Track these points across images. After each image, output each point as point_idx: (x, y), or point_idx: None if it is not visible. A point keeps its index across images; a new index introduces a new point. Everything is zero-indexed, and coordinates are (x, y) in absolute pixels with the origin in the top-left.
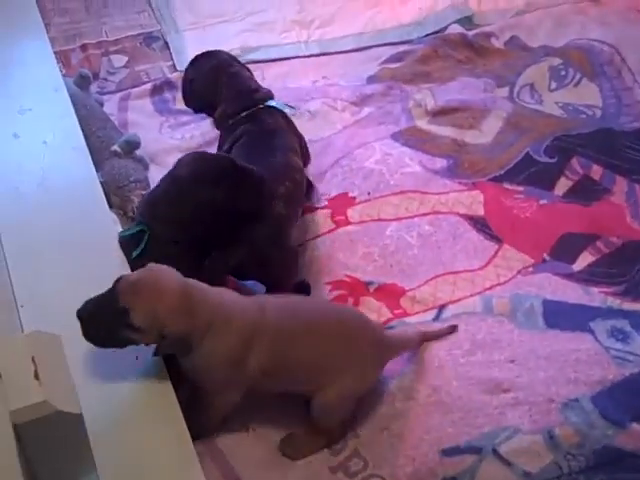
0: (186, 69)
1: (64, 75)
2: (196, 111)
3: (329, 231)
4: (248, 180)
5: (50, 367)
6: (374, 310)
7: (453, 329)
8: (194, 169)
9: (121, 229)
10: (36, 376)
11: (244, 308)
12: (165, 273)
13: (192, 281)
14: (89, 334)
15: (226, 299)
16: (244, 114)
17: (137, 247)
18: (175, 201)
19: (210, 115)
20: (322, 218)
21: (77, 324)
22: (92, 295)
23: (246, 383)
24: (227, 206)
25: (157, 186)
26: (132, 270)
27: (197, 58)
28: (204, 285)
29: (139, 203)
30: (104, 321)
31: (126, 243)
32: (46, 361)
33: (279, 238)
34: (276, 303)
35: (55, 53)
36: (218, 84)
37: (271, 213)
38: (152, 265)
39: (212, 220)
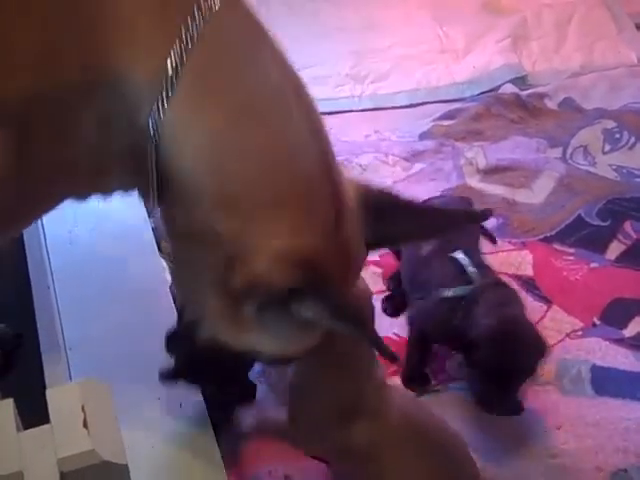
0: None
1: None
2: None
3: (379, 291)
4: None
5: (99, 416)
6: None
7: None
8: None
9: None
10: (85, 425)
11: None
12: None
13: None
14: None
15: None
16: None
17: None
18: None
19: None
20: (373, 276)
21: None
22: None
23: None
24: None
25: None
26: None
27: None
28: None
29: None
30: None
31: None
32: (95, 410)
33: None
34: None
35: None
36: None
37: None
38: None
39: None
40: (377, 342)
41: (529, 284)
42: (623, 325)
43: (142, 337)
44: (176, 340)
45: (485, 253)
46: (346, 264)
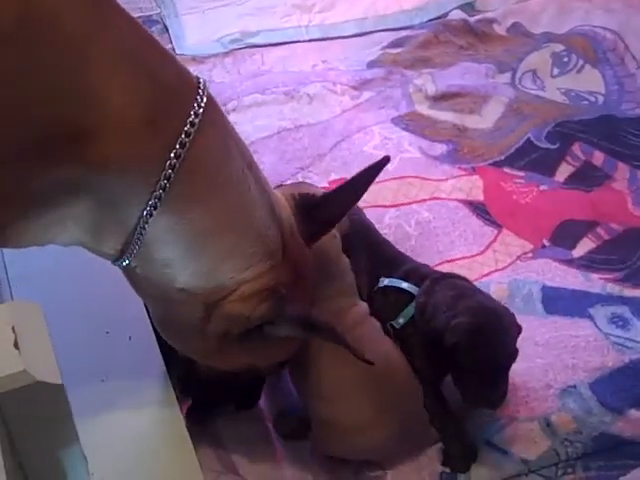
0: None
1: None
2: None
3: None
4: None
5: (30, 337)
6: None
7: None
8: None
9: None
10: (16, 346)
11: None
12: None
13: None
14: None
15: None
16: None
17: None
18: None
19: None
20: None
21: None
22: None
23: None
24: None
25: None
26: None
27: None
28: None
29: None
30: None
31: None
32: (26, 331)
33: None
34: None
35: None
36: None
37: None
38: None
39: None
40: (348, 345)
41: (480, 209)
42: (572, 246)
43: (90, 269)
44: (185, 380)
45: (437, 180)
46: (299, 277)
